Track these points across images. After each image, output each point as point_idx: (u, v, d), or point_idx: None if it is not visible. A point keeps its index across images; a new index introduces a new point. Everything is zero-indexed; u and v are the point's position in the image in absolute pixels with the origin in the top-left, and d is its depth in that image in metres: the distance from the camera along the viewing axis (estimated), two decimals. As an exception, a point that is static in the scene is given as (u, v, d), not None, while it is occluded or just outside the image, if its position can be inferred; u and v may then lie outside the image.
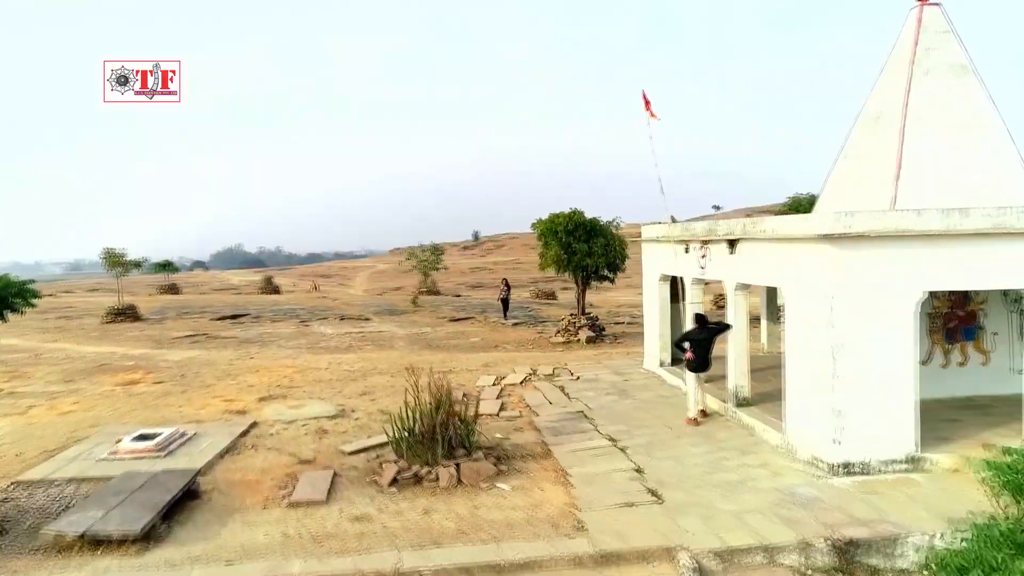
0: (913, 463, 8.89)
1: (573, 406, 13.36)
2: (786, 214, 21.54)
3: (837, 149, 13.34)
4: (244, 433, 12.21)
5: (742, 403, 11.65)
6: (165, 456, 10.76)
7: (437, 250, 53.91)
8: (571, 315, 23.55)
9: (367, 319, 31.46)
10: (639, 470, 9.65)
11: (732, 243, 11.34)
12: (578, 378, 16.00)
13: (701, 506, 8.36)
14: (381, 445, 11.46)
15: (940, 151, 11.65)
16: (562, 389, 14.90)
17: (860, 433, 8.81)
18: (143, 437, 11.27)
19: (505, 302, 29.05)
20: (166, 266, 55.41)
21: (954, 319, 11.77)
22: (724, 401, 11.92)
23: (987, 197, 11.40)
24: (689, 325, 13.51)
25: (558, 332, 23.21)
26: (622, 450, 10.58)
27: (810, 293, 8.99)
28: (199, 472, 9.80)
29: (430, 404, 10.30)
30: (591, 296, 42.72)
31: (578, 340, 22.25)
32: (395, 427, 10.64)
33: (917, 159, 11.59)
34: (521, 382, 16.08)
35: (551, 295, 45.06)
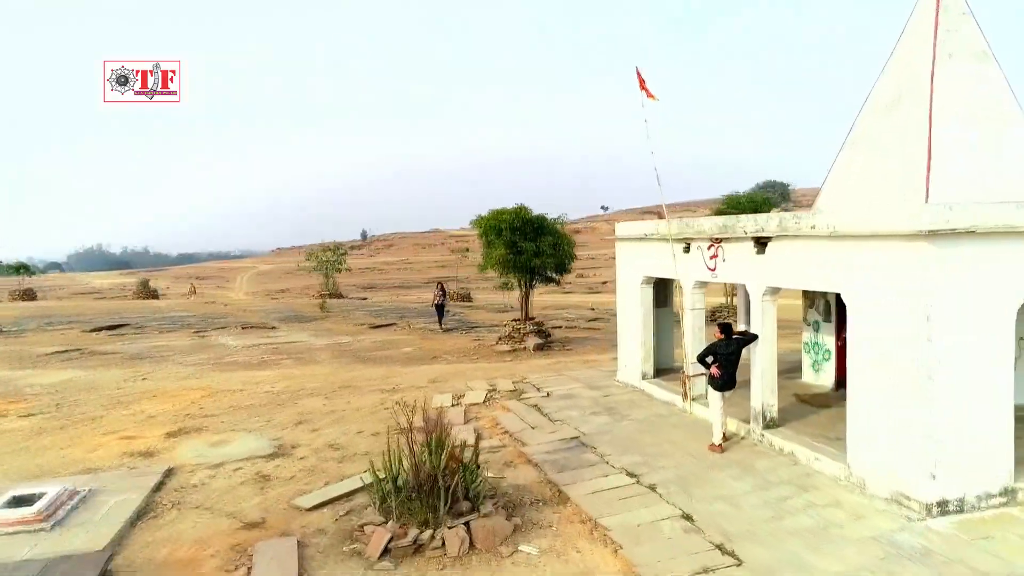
0: (1009, 495, 7.63)
1: (562, 431, 11.45)
2: (724, 213, 20.69)
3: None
4: (159, 486, 9.44)
5: (769, 424, 10.17)
6: (53, 528, 7.95)
7: (339, 249, 50.51)
8: (515, 320, 21.64)
9: (273, 328, 28.14)
10: (688, 517, 7.88)
11: (761, 241, 9.81)
12: (549, 394, 14.11)
13: (794, 567, 6.68)
14: (348, 495, 9.10)
15: (971, 141, 10.69)
16: (538, 409, 12.95)
17: (956, 464, 7.44)
18: (18, 501, 8.35)
19: (440, 308, 26.39)
20: (20, 269, 48.80)
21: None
22: (746, 422, 10.41)
23: (1016, 189, 10.55)
24: (689, 335, 11.97)
25: (501, 339, 21.23)
26: (651, 488, 8.78)
27: (896, 300, 7.53)
28: (110, 557, 7.10)
29: (426, 445, 8.07)
30: (510, 298, 41.13)
31: (525, 348, 20.37)
32: (375, 476, 8.34)
33: (948, 148, 10.56)
34: (484, 401, 14.00)
35: (466, 297, 43.03)
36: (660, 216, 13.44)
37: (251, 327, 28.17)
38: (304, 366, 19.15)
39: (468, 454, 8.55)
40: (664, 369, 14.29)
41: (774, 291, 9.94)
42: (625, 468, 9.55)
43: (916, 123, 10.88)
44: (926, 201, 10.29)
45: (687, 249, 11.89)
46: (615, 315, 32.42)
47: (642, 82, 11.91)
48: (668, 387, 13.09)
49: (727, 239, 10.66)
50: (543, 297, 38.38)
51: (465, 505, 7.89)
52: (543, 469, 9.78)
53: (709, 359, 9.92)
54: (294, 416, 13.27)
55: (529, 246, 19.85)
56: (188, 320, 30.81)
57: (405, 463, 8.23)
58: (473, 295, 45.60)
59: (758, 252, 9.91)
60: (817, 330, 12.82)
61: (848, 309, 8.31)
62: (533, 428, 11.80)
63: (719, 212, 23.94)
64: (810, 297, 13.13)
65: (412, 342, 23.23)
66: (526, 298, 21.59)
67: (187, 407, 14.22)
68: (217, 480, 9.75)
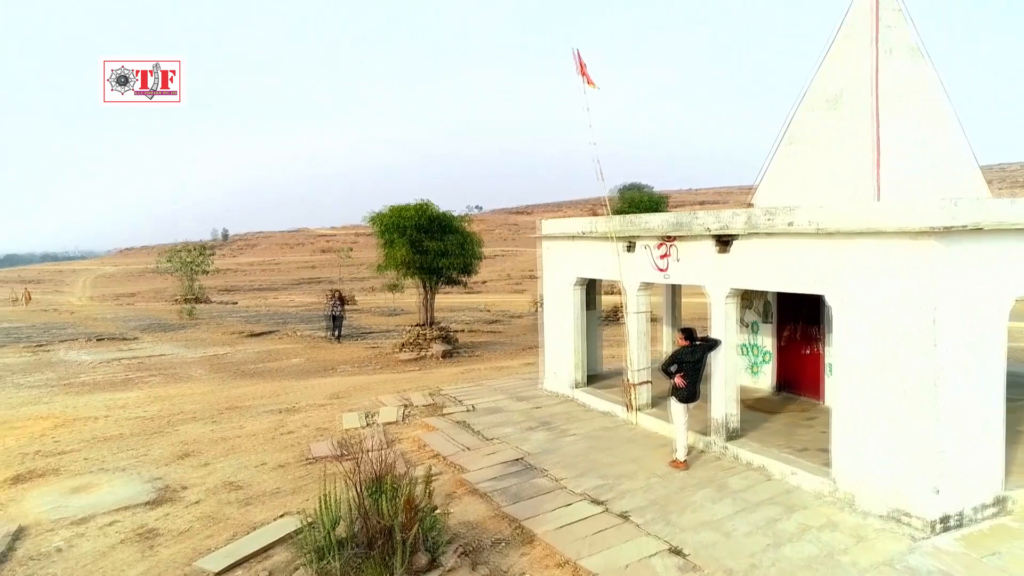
0: (1000, 504, 7.28)
1: (502, 452, 10.22)
2: (624, 212, 20.19)
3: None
4: (3, 557, 7.27)
5: (732, 436, 9.48)
6: None
7: (205, 250, 46.21)
8: (417, 326, 20.09)
9: (134, 339, 24.74)
10: (678, 552, 6.91)
11: (724, 240, 9.09)
12: (473, 408, 12.82)
13: (817, 608, 5.88)
14: (265, 551, 7.39)
15: (913, 138, 10.57)
16: (467, 426, 11.64)
17: (957, 476, 6.98)
18: None
19: (337, 319, 23.50)
20: None
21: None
22: (704, 433, 9.66)
23: (954, 187, 10.56)
24: (634, 340, 11.13)
25: (403, 347, 19.62)
26: (624, 517, 7.76)
27: (899, 302, 6.95)
28: None
29: (377, 488, 6.58)
30: (400, 301, 39.22)
31: (430, 355, 18.90)
32: (306, 526, 6.74)
33: (893, 145, 10.37)
34: (402, 419, 12.50)
35: (351, 300, 40.51)
36: (595, 213, 12.55)
37: (105, 338, 24.62)
38: (178, 384, 16.63)
39: (417, 490, 7.13)
40: (593, 376, 13.42)
41: (737, 293, 9.26)
42: (587, 494, 8.48)
43: (861, 120, 10.63)
44: (877, 196, 10.04)
45: (631, 248, 11.04)
46: (515, 317, 31.60)
47: (582, 67, 10.93)
48: (605, 396, 12.20)
49: (681, 237, 9.87)
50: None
51: (423, 558, 6.49)
52: (493, 500, 8.51)
53: (673, 367, 9.07)
54: (176, 447, 11.14)
55: (435, 245, 18.43)
56: (24, 331, 26.59)
57: (344, 508, 6.69)
58: (356, 298, 43.16)
59: (720, 251, 9.18)
60: (755, 331, 12.41)
61: (834, 312, 7.68)
62: (468, 450, 10.48)
63: (620, 211, 23.59)
64: (747, 297, 12.71)
65: (300, 352, 21.05)
66: (430, 301, 20.12)
67: (33, 441, 11.65)
68: (86, 542, 7.68)
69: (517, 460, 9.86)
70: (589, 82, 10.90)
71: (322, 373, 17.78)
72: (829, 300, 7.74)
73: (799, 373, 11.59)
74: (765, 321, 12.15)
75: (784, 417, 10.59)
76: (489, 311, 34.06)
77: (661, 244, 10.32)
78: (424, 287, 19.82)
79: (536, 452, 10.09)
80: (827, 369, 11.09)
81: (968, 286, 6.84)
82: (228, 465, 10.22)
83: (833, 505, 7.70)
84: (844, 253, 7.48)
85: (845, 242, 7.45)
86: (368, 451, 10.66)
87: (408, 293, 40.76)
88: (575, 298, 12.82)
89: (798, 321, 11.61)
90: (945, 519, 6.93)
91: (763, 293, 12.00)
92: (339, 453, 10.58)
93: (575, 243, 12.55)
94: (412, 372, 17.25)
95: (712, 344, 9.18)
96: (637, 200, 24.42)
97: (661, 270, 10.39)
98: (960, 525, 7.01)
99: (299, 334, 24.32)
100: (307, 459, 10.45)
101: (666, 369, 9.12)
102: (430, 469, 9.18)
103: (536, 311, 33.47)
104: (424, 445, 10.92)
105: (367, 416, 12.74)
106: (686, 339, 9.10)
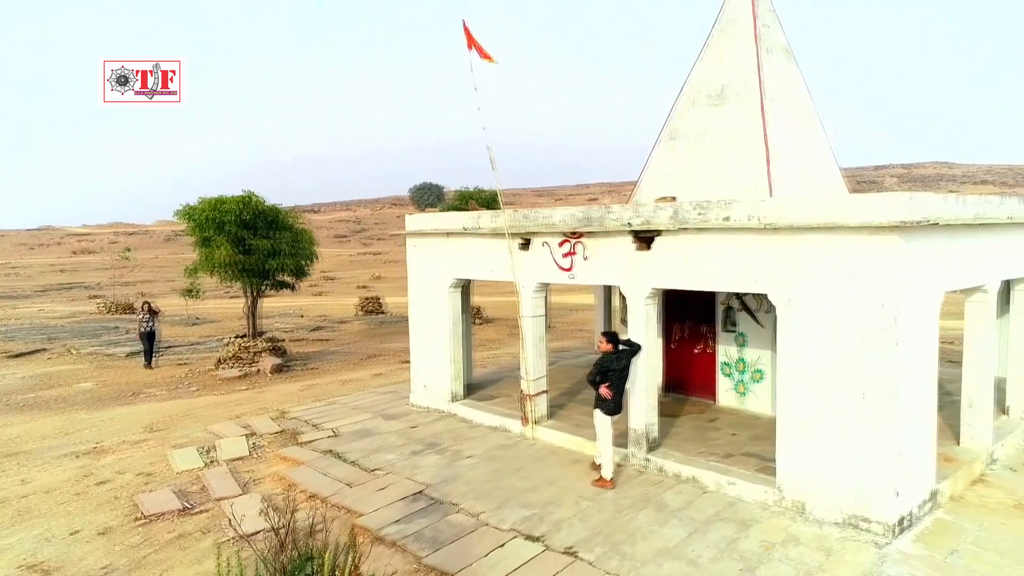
0: (933, 498, 7.31)
1: (395, 485, 8.68)
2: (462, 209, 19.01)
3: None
4: None
5: (652, 447, 8.83)
6: None
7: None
8: (240, 337, 17.35)
9: None
10: (652, 592, 6.02)
11: (645, 236, 8.39)
12: (336, 433, 11.01)
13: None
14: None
15: (789, 135, 10.73)
16: (337, 456, 9.88)
17: (911, 475, 6.85)
18: None
19: (150, 336, 17.82)
20: None
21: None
22: (622, 446, 8.91)
23: (824, 185, 10.91)
24: (531, 346, 10.14)
25: (224, 362, 16.81)
26: (572, 554, 6.71)
27: (858, 300, 6.63)
28: None
29: (300, 562, 4.87)
30: (197, 308, 34.64)
31: (259, 371, 16.38)
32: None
33: (779, 141, 10.43)
34: (251, 453, 10.37)
35: (131, 307, 34.95)
36: (481, 208, 11.35)
37: None
38: (-86, 427, 12.59)
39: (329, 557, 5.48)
40: (468, 387, 12.20)
41: (656, 293, 8.62)
42: (517, 529, 7.31)
43: (747, 117, 10.57)
44: (771, 193, 9.99)
45: (525, 245, 10.02)
46: (341, 322, 29.16)
47: (471, 39, 9.69)
48: (491, 409, 11.08)
49: (591, 234, 9.04)
50: (234, 305, 33.05)
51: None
52: (409, 550, 7.02)
53: (597, 377, 8.18)
54: (-67, 520, 8.10)
55: (262, 244, 15.98)
56: None
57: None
58: (136, 305, 37.42)
59: (640, 248, 8.47)
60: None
61: (779, 311, 7.25)
62: (351, 486, 8.78)
63: (453, 208, 22.49)
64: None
65: (87, 374, 17.25)
66: (253, 309, 17.50)
67: None
68: None
69: (418, 494, 8.39)
70: (483, 55, 9.68)
71: (124, 400, 14.57)
72: (773, 299, 7.30)
73: (690, 373, 11.35)
74: (651, 321, 11.77)
75: (686, 421, 10.21)
76: (304, 316, 31.21)
77: (565, 241, 9.41)
78: (249, 292, 17.17)
79: (436, 482, 8.69)
80: (720, 368, 10.95)
81: (920, 283, 6.73)
82: (23, 539, 7.57)
83: (783, 516, 7.28)
84: (792, 249, 7.06)
85: (793, 238, 7.04)
86: (221, 500, 8.62)
87: (205, 299, 36.27)
88: (452, 302, 11.51)
89: (687, 320, 11.37)
90: (902, 520, 6.75)
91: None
92: (183, 506, 8.41)
93: (453, 240, 11.24)
94: (242, 392, 14.74)
95: (636, 349, 8.44)
96: (467, 197, 23.35)
97: (565, 269, 9.48)
98: (911, 525, 6.89)
99: (80, 352, 20.07)
100: (139, 518, 8.10)
101: (592, 380, 8.20)
102: (315, 516, 7.42)
103: (358, 315, 31.32)
104: (292, 484, 9.01)
105: (205, 452, 10.40)
106: (609, 343, 8.25)
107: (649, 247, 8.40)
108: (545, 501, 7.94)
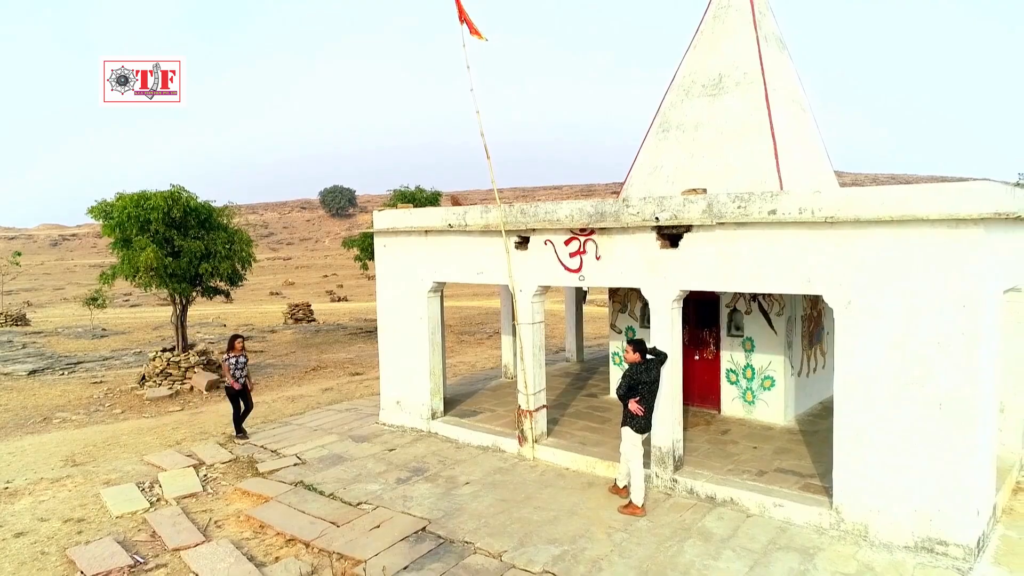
0: (994, 514, 6.79)
1: (392, 521, 7.46)
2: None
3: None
4: None
5: (678, 465, 7.98)
6: None
7: None
8: (167, 351, 15.38)
9: None
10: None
11: (672, 233, 7.54)
12: (302, 460, 9.63)
13: None
14: None
15: (792, 127, 10.21)
16: (313, 489, 8.53)
17: (989, 492, 6.29)
18: None
19: (243, 395, 13.90)
20: None
21: (812, 320, 10.48)
22: (646, 466, 8.00)
23: (819, 179, 10.48)
24: (530, 355, 9.12)
25: (149, 379, 14.84)
26: (625, 602, 5.76)
27: (931, 302, 5.99)
28: None
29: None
30: (101, 317, 31.51)
31: (192, 389, 14.54)
32: None
33: (784, 135, 9.87)
34: (204, 488, 8.85)
35: (22, 319, 31.39)
36: (462, 204, 10.15)
37: None
38: None
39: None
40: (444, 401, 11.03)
41: (683, 296, 7.79)
42: (551, 572, 6.27)
43: (749, 108, 9.95)
44: (780, 185, 9.38)
45: (523, 244, 9.00)
46: (270, 332, 27.05)
47: (462, 12, 8.59)
48: (476, 426, 9.99)
49: (605, 230, 8.12)
50: (139, 315, 30.34)
51: None
52: (429, 606, 5.86)
53: (623, 391, 7.25)
54: None
55: (194, 245, 14.19)
56: None
57: None
58: (27, 316, 33.73)
59: (664, 247, 7.62)
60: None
61: (837, 315, 6.55)
62: (336, 525, 7.49)
63: (391, 205, 20.99)
64: (620, 301, 11.46)
65: (-17, 397, 14.86)
66: (182, 319, 15.59)
67: None
68: None
69: (420, 532, 7.22)
70: (473, 31, 8.61)
71: (33, 426, 12.49)
72: (830, 301, 6.59)
73: (690, 381, 10.57)
74: (644, 326, 10.98)
75: (697, 434, 9.44)
76: (227, 325, 28.85)
77: (572, 239, 8.45)
78: (178, 300, 15.26)
79: (437, 516, 7.53)
80: (725, 376, 10.27)
81: (995, 282, 6.17)
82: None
83: (844, 541, 6.56)
84: (855, 246, 6.37)
85: (857, 232, 6.35)
86: (178, 550, 7.15)
87: (108, 310, 33.09)
88: (431, 309, 10.34)
89: (686, 324, 10.61)
90: (980, 541, 6.16)
91: (640, 294, 10.82)
92: (133, 561, 6.88)
93: (433, 239, 10.07)
94: (176, 414, 12.94)
95: (663, 358, 7.57)
96: (409, 196, 21.80)
97: (572, 270, 8.52)
98: (985, 546, 6.32)
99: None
100: (82, 585, 6.52)
101: (622, 394, 7.26)
102: (302, 569, 6.17)
103: (287, 323, 29.25)
104: (263, 525, 7.62)
105: (147, 489, 8.80)
106: (636, 352, 7.34)
107: (675, 245, 7.56)
108: (572, 535, 6.93)
